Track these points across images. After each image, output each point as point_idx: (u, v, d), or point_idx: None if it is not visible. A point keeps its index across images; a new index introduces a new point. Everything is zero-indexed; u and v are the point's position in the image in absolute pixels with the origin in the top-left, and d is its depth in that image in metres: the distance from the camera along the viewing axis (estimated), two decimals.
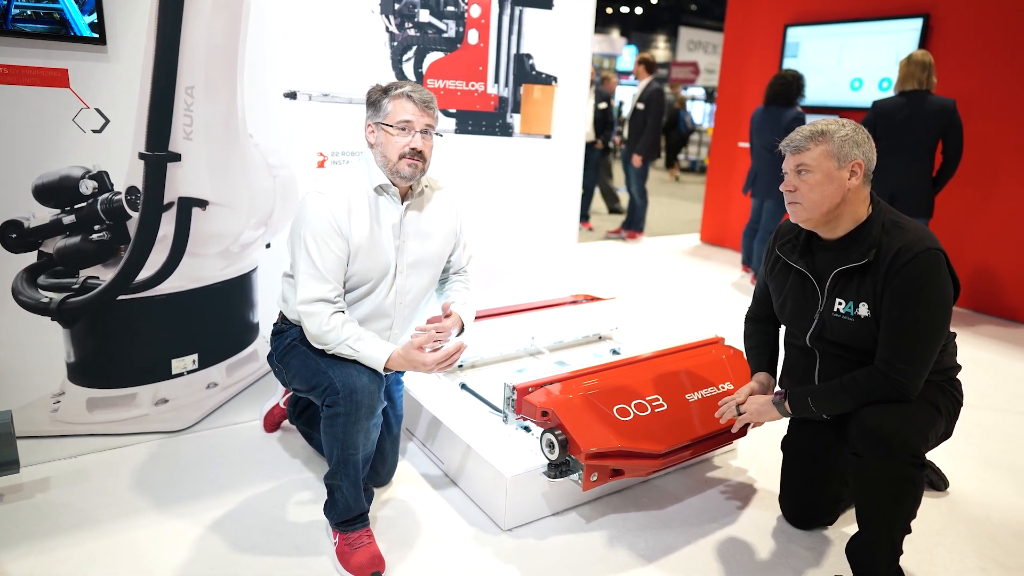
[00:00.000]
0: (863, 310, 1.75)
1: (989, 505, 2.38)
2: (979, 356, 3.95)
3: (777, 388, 2.05)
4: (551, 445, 2.02)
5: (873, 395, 1.71)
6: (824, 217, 1.77)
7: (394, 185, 1.98)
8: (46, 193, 2.15)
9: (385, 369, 1.88)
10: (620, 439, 2.04)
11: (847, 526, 2.18)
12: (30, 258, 2.17)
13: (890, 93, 5.55)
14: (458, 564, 1.94)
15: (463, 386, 2.63)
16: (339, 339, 1.84)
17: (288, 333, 2.05)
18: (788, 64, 5.88)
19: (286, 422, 2.64)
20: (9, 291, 2.16)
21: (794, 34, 5.84)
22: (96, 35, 2.09)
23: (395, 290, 2.03)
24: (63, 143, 2.14)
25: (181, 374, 2.50)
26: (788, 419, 2.01)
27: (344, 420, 1.82)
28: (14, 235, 2.13)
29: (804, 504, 2.15)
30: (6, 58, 2.00)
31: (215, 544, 1.98)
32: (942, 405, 1.78)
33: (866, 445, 1.65)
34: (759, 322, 2.18)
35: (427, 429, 2.50)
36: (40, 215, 2.16)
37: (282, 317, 2.11)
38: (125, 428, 2.44)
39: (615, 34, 25.04)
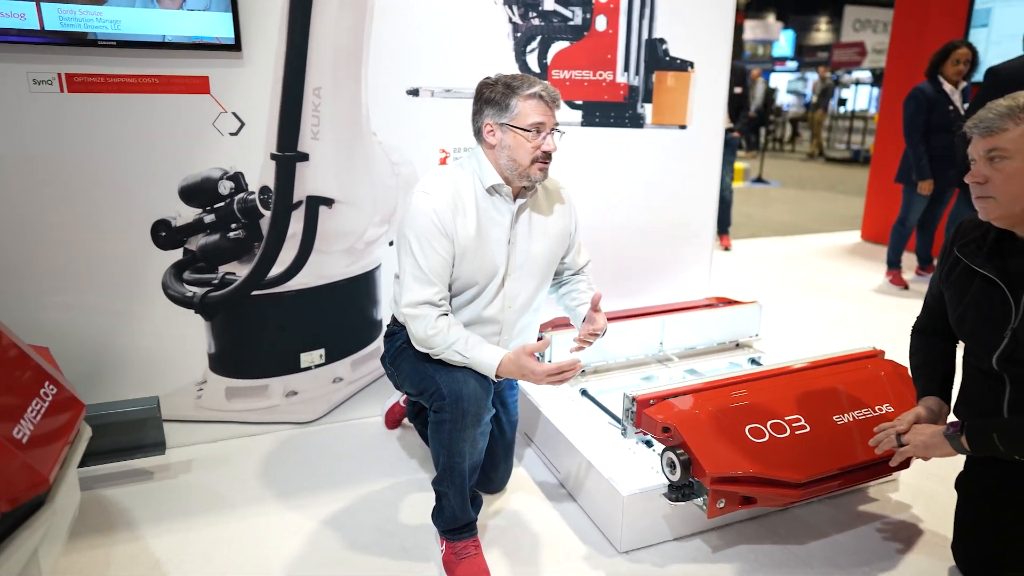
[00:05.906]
0: None
1: None
2: None
3: (952, 418, 1.71)
4: (672, 465, 1.84)
5: None
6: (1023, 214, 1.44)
7: (508, 184, 1.88)
8: (190, 194, 2.29)
9: (496, 376, 1.79)
10: (752, 464, 1.81)
11: None
12: (176, 255, 2.32)
13: None
14: None
15: (583, 392, 2.49)
16: (446, 343, 1.77)
17: (399, 336, 2.02)
18: (975, 35, 5.13)
19: (406, 420, 2.65)
20: (160, 286, 2.32)
21: None
22: (233, 42, 2.18)
23: (503, 295, 1.93)
24: (204, 146, 2.26)
25: (309, 368, 2.58)
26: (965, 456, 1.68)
27: (450, 427, 1.75)
28: (163, 233, 2.29)
29: (982, 554, 1.79)
30: (157, 68, 2.14)
31: (329, 539, 2.00)
32: None
33: None
34: (930, 336, 1.84)
35: (545, 436, 2.39)
36: (185, 214, 2.30)
37: (394, 319, 2.09)
38: (259, 417, 2.56)
39: (771, 18, 23.44)
